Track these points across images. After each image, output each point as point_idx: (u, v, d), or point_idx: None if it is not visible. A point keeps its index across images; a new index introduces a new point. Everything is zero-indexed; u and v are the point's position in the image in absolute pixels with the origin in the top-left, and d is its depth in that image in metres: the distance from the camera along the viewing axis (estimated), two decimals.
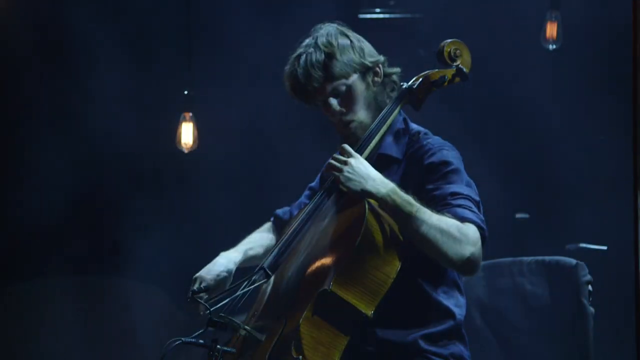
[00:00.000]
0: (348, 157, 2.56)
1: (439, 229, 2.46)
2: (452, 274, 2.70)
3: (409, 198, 2.49)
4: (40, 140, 5.91)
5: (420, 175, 2.64)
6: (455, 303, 2.69)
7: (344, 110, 2.72)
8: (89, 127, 5.91)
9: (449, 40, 2.82)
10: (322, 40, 2.73)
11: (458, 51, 2.81)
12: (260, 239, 3.00)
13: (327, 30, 2.75)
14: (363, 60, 2.74)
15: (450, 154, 2.67)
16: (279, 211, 3.07)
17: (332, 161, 2.57)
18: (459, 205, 2.53)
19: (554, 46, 5.44)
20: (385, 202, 2.49)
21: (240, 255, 2.92)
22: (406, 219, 2.48)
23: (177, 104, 5.70)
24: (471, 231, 2.48)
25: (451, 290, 2.69)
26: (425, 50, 5.67)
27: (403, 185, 2.56)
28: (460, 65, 2.80)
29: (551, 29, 5.39)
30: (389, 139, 2.75)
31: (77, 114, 5.86)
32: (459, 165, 2.65)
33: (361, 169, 2.53)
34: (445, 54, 2.80)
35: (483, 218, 2.55)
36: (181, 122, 5.69)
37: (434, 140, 2.72)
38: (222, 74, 5.99)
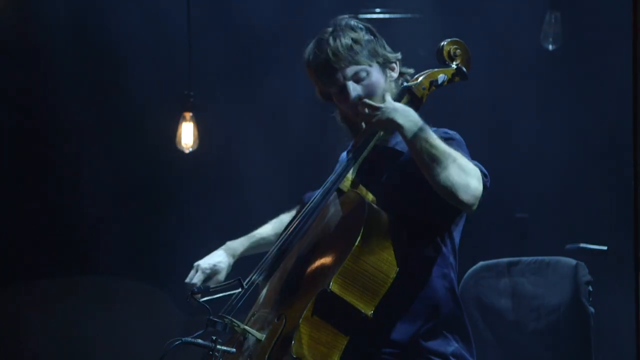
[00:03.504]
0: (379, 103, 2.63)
1: (457, 163, 2.54)
2: (451, 258, 2.71)
3: (433, 135, 2.58)
4: (39, 139, 5.91)
5: None
6: (450, 287, 2.70)
7: (361, 95, 2.71)
8: (88, 127, 5.91)
9: (449, 40, 2.82)
10: (348, 25, 2.74)
11: (458, 50, 2.80)
12: (279, 226, 3.01)
13: (351, 20, 2.77)
14: (385, 52, 2.75)
15: (457, 137, 2.73)
16: (308, 195, 2.98)
17: (366, 108, 2.62)
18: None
19: (554, 46, 5.43)
20: (416, 134, 2.57)
21: (244, 245, 2.96)
22: (430, 151, 2.54)
23: (177, 104, 5.70)
24: (477, 171, 2.58)
25: (449, 273, 2.70)
26: (425, 50, 5.66)
27: (409, 169, 2.60)
28: (460, 65, 2.80)
29: (550, 29, 5.38)
30: (395, 136, 2.75)
31: (75, 114, 5.86)
32: (465, 146, 2.70)
33: (394, 104, 2.61)
34: (445, 53, 2.80)
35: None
36: (181, 122, 5.69)
37: (440, 129, 2.76)
38: (222, 74, 5.99)
